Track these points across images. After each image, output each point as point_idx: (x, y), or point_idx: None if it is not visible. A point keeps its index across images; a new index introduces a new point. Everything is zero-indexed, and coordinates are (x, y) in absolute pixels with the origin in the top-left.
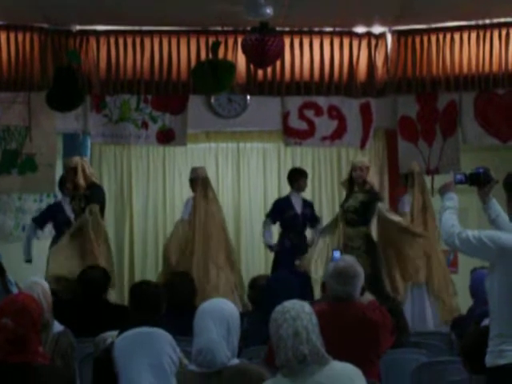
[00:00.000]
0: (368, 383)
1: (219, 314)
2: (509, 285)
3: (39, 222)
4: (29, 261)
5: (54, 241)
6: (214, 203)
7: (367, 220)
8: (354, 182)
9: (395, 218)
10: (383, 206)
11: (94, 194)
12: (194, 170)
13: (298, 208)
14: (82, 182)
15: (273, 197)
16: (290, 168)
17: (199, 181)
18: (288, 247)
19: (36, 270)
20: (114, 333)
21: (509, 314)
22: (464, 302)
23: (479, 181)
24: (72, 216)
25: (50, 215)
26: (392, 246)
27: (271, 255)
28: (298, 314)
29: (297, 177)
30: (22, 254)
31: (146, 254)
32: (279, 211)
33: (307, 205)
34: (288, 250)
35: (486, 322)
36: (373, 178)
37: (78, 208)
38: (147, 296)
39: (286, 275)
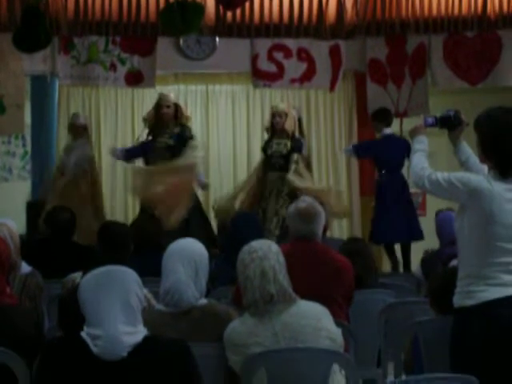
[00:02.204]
0: (335, 323)
1: (188, 254)
2: (478, 226)
3: (130, 153)
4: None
5: None
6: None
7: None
8: (274, 128)
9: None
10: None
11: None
12: (75, 116)
13: None
14: None
15: (241, 138)
16: None
17: (80, 128)
18: None
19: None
20: None
21: (477, 254)
22: (432, 245)
23: (449, 123)
24: None
25: (142, 150)
26: None
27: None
28: (265, 254)
29: None
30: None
31: (115, 193)
32: None
33: None
34: None
35: (454, 262)
36: (292, 125)
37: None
38: (115, 235)
39: (252, 215)
